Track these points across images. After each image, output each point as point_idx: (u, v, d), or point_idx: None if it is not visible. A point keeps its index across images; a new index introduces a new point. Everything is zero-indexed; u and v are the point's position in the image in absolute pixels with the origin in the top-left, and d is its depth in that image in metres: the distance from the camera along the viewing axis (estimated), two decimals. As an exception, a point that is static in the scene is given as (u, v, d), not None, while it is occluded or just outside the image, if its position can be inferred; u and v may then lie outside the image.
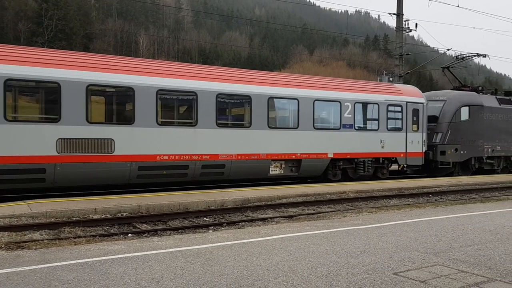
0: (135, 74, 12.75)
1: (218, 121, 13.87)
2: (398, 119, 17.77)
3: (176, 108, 14.03)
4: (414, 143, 18.22)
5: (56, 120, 11.51)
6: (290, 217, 10.80)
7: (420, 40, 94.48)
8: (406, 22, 25.47)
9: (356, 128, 16.67)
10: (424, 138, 18.62)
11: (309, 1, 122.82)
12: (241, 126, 14.56)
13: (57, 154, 11.47)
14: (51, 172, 11.46)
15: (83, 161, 11.83)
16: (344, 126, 16.33)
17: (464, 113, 19.85)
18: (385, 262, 5.69)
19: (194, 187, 14.66)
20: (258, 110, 14.51)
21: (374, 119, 17.18)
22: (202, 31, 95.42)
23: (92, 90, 12.10)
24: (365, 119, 17.08)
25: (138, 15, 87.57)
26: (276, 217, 10.73)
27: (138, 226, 9.59)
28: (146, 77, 12.85)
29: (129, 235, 8.66)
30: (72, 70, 11.79)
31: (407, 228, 7.93)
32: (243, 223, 10.05)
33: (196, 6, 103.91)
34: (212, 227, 9.58)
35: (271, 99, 14.81)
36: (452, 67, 22.80)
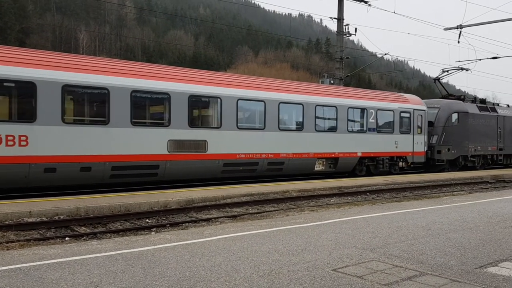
0: (222, 86, 15.59)
1: (280, 125, 16.84)
2: (407, 123, 21.10)
3: (251, 115, 16.67)
4: (418, 143, 21.56)
5: (166, 125, 14.16)
6: (234, 217, 10.86)
7: (360, 44, 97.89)
8: (347, 27, 26.34)
9: (378, 131, 19.87)
10: (425, 140, 22.04)
11: (254, 2, 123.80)
12: (297, 129, 17.47)
13: (168, 153, 14.08)
14: (163, 168, 14.09)
15: (185, 158, 14.45)
16: (369, 129, 19.58)
17: (454, 119, 23.43)
18: (324, 259, 5.87)
19: (136, 189, 14.34)
20: (308, 116, 17.61)
21: (390, 124, 20.50)
22: (146, 29, 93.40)
23: (192, 100, 14.77)
24: (383, 124, 20.25)
25: (78, 10, 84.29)
26: (221, 217, 10.74)
27: (76, 229, 9.26)
28: (229, 88, 15.73)
29: (67, 238, 8.35)
30: (178, 83, 14.54)
31: (345, 226, 8.21)
32: (187, 224, 9.99)
33: (140, 3, 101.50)
34: (155, 229, 9.43)
35: (318, 106, 17.93)
36: (442, 78, 26.54)
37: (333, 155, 18.34)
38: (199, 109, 15.59)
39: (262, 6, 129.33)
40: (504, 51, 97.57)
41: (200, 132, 14.90)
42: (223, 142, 15.24)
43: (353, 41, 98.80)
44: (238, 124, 15.68)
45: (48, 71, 12.12)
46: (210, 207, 11.85)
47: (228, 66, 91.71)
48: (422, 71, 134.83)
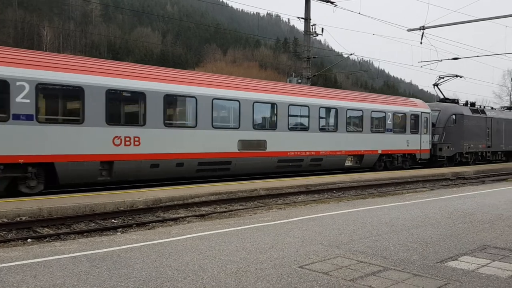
0: (277, 94, 18.39)
1: (320, 126, 19.58)
2: (416, 124, 23.93)
3: (299, 118, 19.33)
4: (425, 142, 24.48)
5: (237, 127, 16.80)
6: (202, 216, 10.82)
7: (327, 44, 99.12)
8: (314, 27, 26.61)
9: (393, 131, 22.69)
10: (430, 139, 24.94)
11: (222, 1, 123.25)
12: (332, 130, 20.20)
13: (238, 151, 16.69)
14: (234, 164, 16.70)
15: (250, 155, 17.11)
16: (387, 130, 22.36)
17: (452, 120, 26.37)
18: (291, 256, 5.93)
19: (101, 189, 14.07)
20: (341, 118, 20.40)
21: (403, 125, 23.35)
22: (112, 26, 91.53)
23: (256, 106, 17.41)
24: (398, 125, 23.10)
25: (41, 5, 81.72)
26: (188, 216, 10.69)
27: (39, 231, 9.01)
28: (283, 96, 18.52)
29: (29, 240, 8.13)
30: (246, 92, 17.29)
31: (312, 223, 8.33)
32: (154, 223, 9.88)
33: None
34: (121, 229, 9.29)
35: (349, 110, 20.76)
36: (440, 84, 28.97)
37: (359, 153, 21.26)
38: (260, 113, 18.08)
39: (230, 4, 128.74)
40: (464, 52, 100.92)
41: (261, 133, 17.63)
42: (278, 142, 18.01)
43: (320, 41, 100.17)
44: (289, 126, 18.50)
45: (154, 83, 14.68)
46: (178, 206, 11.76)
47: (197, 65, 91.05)
48: (387, 71, 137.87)
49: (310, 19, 26.42)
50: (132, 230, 9.20)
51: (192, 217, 10.55)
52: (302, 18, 26.41)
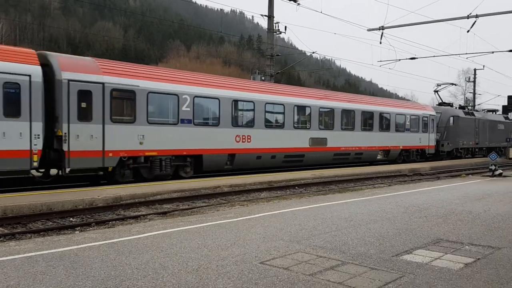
0: (335, 101, 23.12)
1: (362, 127, 24.22)
2: (426, 125, 28.89)
3: (348, 120, 23.68)
4: (432, 139, 29.56)
5: (309, 128, 21.27)
6: (164, 213, 10.73)
7: (290, 42, 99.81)
8: (277, 25, 26.76)
9: (410, 131, 27.61)
10: (435, 137, 30.07)
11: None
12: (369, 130, 24.78)
13: (308, 147, 21.12)
14: (306, 157, 21.19)
15: (316, 150, 21.58)
16: (406, 129, 27.35)
17: (451, 121, 31.65)
18: (253, 253, 5.99)
19: (60, 186, 13.68)
20: (376, 120, 25.23)
21: (417, 125, 28.24)
22: (72, 19, 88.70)
23: (320, 111, 21.91)
24: (413, 125, 27.92)
25: (-5, -4, 78.16)
26: (150, 214, 10.57)
27: (-8, 231, 8.67)
28: (339, 103, 23.29)
29: (-19, 241, 7.80)
30: (316, 100, 21.93)
31: (274, 219, 8.42)
32: (114, 222, 9.72)
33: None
34: (79, 228, 9.09)
35: (382, 113, 25.73)
36: (439, 90, 34.75)
37: (387, 148, 26.17)
38: (323, 117, 22.37)
39: (194, 0, 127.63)
40: (422, 52, 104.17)
41: (324, 132, 22.00)
42: (334, 139, 22.40)
43: (283, 39, 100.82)
44: (342, 127, 23.04)
45: (260, 94, 19.37)
46: (139, 204, 11.61)
47: (160, 60, 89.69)
48: (348, 70, 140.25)
49: (273, 17, 26.56)
50: (91, 228, 9.02)
51: (154, 215, 10.44)
52: (265, 15, 26.51)
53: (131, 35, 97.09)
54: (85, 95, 13.61)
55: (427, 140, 29.16)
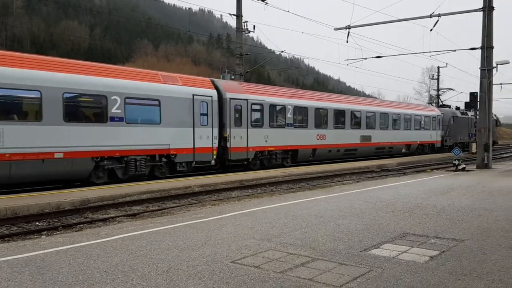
0: (375, 106, 29.78)
1: (393, 126, 30.49)
2: (435, 124, 35.65)
3: (384, 120, 29.79)
4: (439, 136, 36.38)
5: (359, 127, 27.13)
6: (133, 215, 10.60)
7: (259, 41, 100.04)
8: (245, 24, 26.76)
9: (425, 129, 34.23)
10: (441, 133, 36.75)
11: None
12: (397, 128, 30.93)
13: (359, 143, 26.96)
14: (357, 151, 26.97)
15: (364, 145, 27.40)
16: (421, 128, 33.78)
17: (451, 120, 38.07)
18: (224, 252, 5.99)
19: (25, 190, 13.28)
20: (401, 120, 31.10)
21: (429, 124, 34.86)
22: (35, 18, 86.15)
23: (366, 114, 27.99)
24: (427, 124, 34.53)
25: (-47, -6, 75.09)
26: (119, 216, 10.42)
27: (-48, 238, 8.36)
28: (376, 107, 29.71)
29: None
30: (361, 106, 28.43)
31: (245, 218, 8.44)
32: (82, 225, 9.54)
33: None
34: (46, 232, 8.88)
35: (405, 115, 31.90)
36: (440, 94, 45.14)
37: (409, 143, 32.30)
38: (369, 119, 28.26)
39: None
40: (387, 50, 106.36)
41: (369, 131, 28.05)
42: (376, 136, 28.59)
43: (252, 38, 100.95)
44: (381, 126, 29.20)
45: (331, 103, 25.48)
46: (108, 206, 11.42)
47: (127, 60, 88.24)
48: (316, 69, 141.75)
49: (242, 16, 26.57)
50: (58, 232, 8.82)
51: (123, 217, 10.30)
52: (234, 15, 26.49)
53: (97, 34, 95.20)
54: (238, 109, 19.51)
55: (435, 136, 35.99)
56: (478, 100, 21.35)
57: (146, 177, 16.23)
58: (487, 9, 19.95)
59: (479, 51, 20.63)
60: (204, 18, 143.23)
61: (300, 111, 23.05)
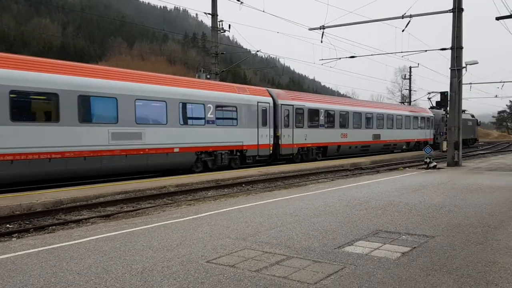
0: (385, 109, 35.61)
1: (397, 126, 35.58)
2: (429, 123, 41.29)
3: (390, 122, 34.75)
4: (432, 134, 41.62)
5: (372, 127, 32.26)
6: (107, 216, 10.47)
7: (235, 41, 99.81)
8: (221, 23, 26.72)
9: (421, 127, 39.72)
10: (433, 132, 42.06)
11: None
12: (400, 128, 35.93)
13: (372, 140, 31.95)
14: (370, 147, 31.99)
15: (375, 142, 32.27)
16: (419, 127, 39.16)
17: (441, 120, 40.84)
18: (199, 252, 5.99)
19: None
20: (404, 121, 36.90)
21: (425, 124, 40.47)
22: (6, 16, 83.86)
23: (378, 116, 33.20)
24: (423, 124, 40.06)
25: None
26: (92, 217, 10.27)
27: None
28: (386, 110, 35.81)
29: None
30: (373, 108, 33.73)
31: (221, 217, 8.45)
32: (54, 227, 9.37)
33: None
34: (16, 234, 8.68)
35: (405, 116, 37.27)
36: (431, 98, 45.12)
37: (408, 140, 37.45)
38: (378, 120, 32.92)
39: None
40: (361, 50, 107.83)
41: (379, 130, 32.86)
42: (384, 135, 33.64)
43: (228, 37, 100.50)
44: (387, 126, 34.09)
45: (356, 107, 30.80)
46: (81, 207, 11.24)
47: (100, 59, 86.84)
48: (292, 68, 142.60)
49: (217, 15, 26.51)
50: (29, 234, 8.63)
51: (97, 218, 10.16)
52: (209, 14, 26.41)
53: (70, 32, 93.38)
54: (286, 112, 23.86)
55: (429, 134, 41.38)
56: (449, 99, 21.86)
57: (226, 167, 20.51)
58: (457, 10, 20.47)
59: (449, 51, 21.15)
60: (179, 16, 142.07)
61: (329, 114, 27.62)
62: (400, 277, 4.89)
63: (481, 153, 37.80)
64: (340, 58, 26.63)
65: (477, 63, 22.02)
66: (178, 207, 10.81)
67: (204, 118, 18.92)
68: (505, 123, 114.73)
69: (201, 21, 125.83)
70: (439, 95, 42.50)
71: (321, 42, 23.42)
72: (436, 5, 27.78)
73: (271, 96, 23.27)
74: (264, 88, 24.35)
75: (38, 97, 14.11)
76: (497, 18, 19.77)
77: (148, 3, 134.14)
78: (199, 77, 26.57)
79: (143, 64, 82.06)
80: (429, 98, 44.60)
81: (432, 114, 42.17)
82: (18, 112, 13.39)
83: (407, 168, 21.46)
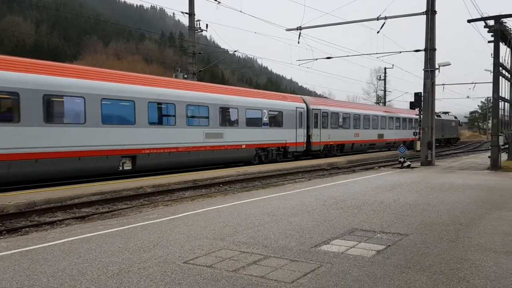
0: (385, 112, 41.46)
1: (396, 127, 41.23)
2: (417, 124, 43.05)
3: (392, 123, 40.37)
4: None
5: (377, 128, 37.57)
6: (82, 217, 10.31)
7: (212, 40, 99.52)
8: (198, 22, 26.62)
9: (414, 128, 41.15)
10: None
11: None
12: (399, 128, 41.63)
13: (377, 139, 37.18)
14: (375, 145, 37.41)
15: (379, 141, 37.87)
16: (413, 127, 42.55)
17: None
18: (176, 253, 5.96)
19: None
20: (401, 122, 42.37)
21: (407, 124, 43.58)
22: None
23: (381, 118, 38.74)
24: (416, 125, 38.86)
25: None
26: (67, 219, 10.11)
27: None
28: (394, 113, 42.99)
29: None
30: (378, 112, 39.97)
31: (198, 218, 8.43)
32: (28, 229, 9.18)
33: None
34: (-12, 238, 8.45)
35: (402, 118, 42.02)
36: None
37: (405, 139, 40.62)
38: (382, 121, 38.07)
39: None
40: (337, 51, 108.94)
41: (382, 130, 37.59)
42: (387, 134, 38.56)
43: (206, 37, 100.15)
44: (389, 127, 39.19)
45: (360, 110, 36.09)
46: (55, 209, 11.04)
47: (75, 58, 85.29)
48: (270, 68, 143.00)
49: (194, 15, 26.38)
50: (2, 237, 8.43)
51: (71, 220, 10.00)
52: (186, 13, 26.26)
53: (43, 30, 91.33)
54: (315, 115, 28.52)
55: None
56: (422, 100, 22.31)
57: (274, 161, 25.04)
58: (430, 13, 20.92)
59: (423, 53, 21.58)
60: (156, 15, 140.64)
61: (346, 116, 32.36)
62: (375, 275, 4.98)
63: (454, 153, 38.70)
64: (317, 59, 26.91)
65: (450, 64, 22.54)
66: (155, 208, 10.73)
67: (261, 121, 23.81)
68: (477, 123, 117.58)
69: (178, 20, 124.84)
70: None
71: (298, 43, 23.62)
72: (412, 6, 28.29)
73: (304, 102, 28.17)
74: (299, 96, 29.74)
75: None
76: (469, 21, 20.28)
77: (124, 1, 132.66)
78: (176, 77, 26.42)
79: (118, 63, 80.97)
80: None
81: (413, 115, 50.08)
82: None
83: (382, 168, 21.80)
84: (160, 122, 18.30)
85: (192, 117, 19.78)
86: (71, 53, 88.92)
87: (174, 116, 18.78)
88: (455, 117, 57.05)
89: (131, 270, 5.22)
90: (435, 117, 50.07)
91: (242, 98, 22.80)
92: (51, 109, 14.80)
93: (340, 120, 31.46)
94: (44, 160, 14.25)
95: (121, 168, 16.79)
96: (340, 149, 31.49)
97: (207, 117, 20.41)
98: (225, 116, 21.58)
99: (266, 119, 24.06)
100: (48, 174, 14.57)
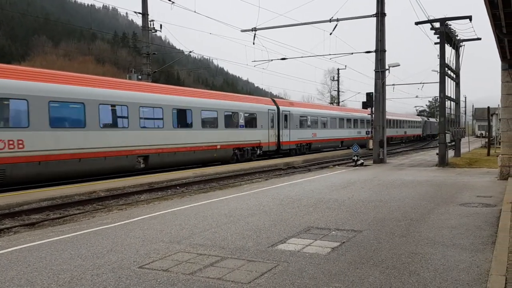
0: (359, 112, 47.54)
1: (403, 127, 57.72)
2: (419, 124, 67.01)
3: (393, 123, 52.03)
4: (419, 131, 67.11)
5: (356, 128, 44.50)
6: (32, 224, 9.90)
7: (167, 41, 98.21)
8: (152, 23, 26.19)
9: (410, 127, 60.64)
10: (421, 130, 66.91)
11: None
12: (396, 127, 53.49)
13: (356, 136, 43.30)
14: (345, 144, 41.09)
15: (359, 138, 42.39)
16: (408, 126, 61.36)
17: (425, 123, 68.18)
18: (131, 258, 5.84)
19: None
20: (401, 123, 56.76)
21: (410, 124, 61.65)
22: None
23: (361, 120, 45.39)
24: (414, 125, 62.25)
25: None
26: (15, 226, 9.67)
27: None
28: (398, 117, 58.01)
29: None
30: (356, 113, 46.45)
31: (154, 221, 8.29)
32: (-28, 239, 8.66)
33: None
34: None
35: (397, 119, 55.13)
36: (417, 109, 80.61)
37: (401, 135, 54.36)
38: (359, 122, 44.08)
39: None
40: (292, 53, 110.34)
41: (360, 129, 43.64)
42: (352, 133, 42.85)
43: (160, 37, 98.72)
44: (389, 126, 42.65)
45: (346, 112, 43.61)
46: (3, 216, 10.53)
47: (23, 58, 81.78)
48: (226, 69, 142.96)
49: (148, 14, 25.95)
50: None
51: (20, 227, 9.57)
52: (139, 13, 25.79)
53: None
54: (285, 117, 29.66)
55: (420, 132, 64.51)
56: (374, 99, 22.98)
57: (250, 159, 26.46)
58: (380, 15, 21.59)
59: (374, 54, 22.23)
60: (108, 15, 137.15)
61: (313, 117, 34.15)
62: (330, 272, 5.08)
63: (404, 150, 40.11)
64: (272, 60, 27.20)
65: (399, 65, 23.33)
66: (109, 212, 10.46)
67: (238, 123, 25.13)
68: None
69: (132, 20, 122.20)
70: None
71: (253, 44, 23.75)
72: (365, 8, 29.15)
73: (275, 104, 29.62)
74: (270, 98, 31.87)
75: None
76: (417, 23, 21.09)
77: (75, 1, 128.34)
78: (130, 78, 25.88)
79: (69, 64, 78.34)
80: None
81: (419, 119, 66.43)
82: None
83: (336, 166, 22.27)
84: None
85: (203, 120, 22.42)
86: (19, 53, 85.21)
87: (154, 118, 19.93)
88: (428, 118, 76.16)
89: (83, 277, 5.06)
90: (426, 120, 58.83)
91: (221, 101, 24.21)
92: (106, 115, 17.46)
93: (308, 121, 33.04)
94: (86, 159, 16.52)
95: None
96: (308, 147, 33.02)
97: (191, 122, 21.67)
98: (205, 119, 22.59)
99: (242, 121, 25.43)
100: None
